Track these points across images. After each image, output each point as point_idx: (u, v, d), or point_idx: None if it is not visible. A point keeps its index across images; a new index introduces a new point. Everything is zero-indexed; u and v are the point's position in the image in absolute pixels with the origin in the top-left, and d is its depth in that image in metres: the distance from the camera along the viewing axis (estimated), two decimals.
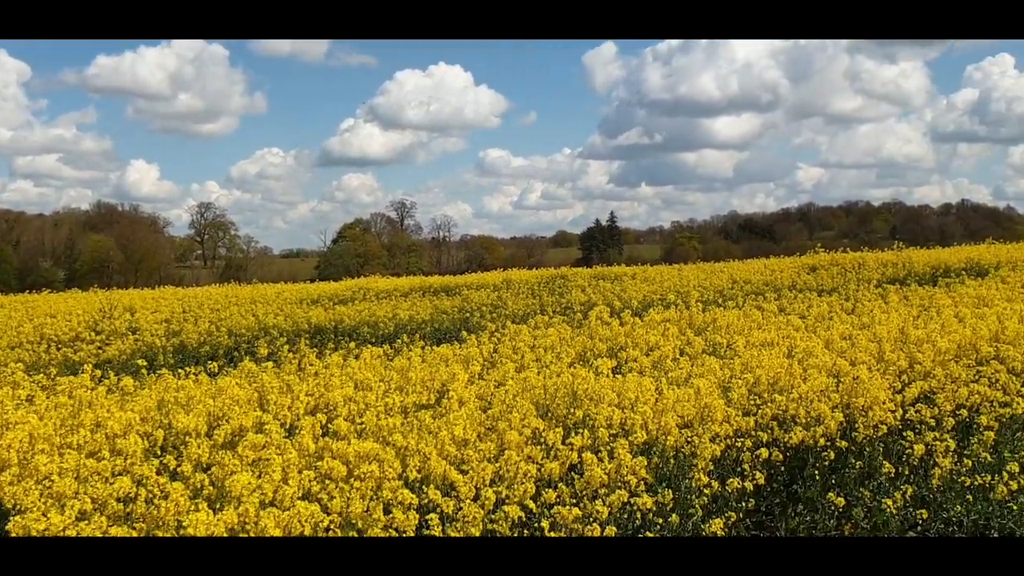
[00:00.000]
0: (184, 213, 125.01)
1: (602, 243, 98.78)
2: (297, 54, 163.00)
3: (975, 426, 7.99)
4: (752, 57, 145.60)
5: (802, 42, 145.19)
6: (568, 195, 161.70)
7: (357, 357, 10.54)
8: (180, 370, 9.91)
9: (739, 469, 7.07)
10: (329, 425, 6.77)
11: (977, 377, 8.81)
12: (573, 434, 6.60)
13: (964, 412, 8.17)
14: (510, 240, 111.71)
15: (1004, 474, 7.09)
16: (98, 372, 9.21)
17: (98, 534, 5.03)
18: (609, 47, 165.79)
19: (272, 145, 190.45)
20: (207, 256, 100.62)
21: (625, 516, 6.11)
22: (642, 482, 6.17)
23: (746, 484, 6.82)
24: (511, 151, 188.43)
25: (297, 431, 6.61)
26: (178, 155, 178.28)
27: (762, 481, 7.05)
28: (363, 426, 6.70)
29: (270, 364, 10.18)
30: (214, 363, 11.80)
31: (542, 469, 6.15)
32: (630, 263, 69.06)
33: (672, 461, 6.93)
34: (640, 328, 12.12)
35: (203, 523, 4.93)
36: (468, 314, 20.43)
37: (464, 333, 14.33)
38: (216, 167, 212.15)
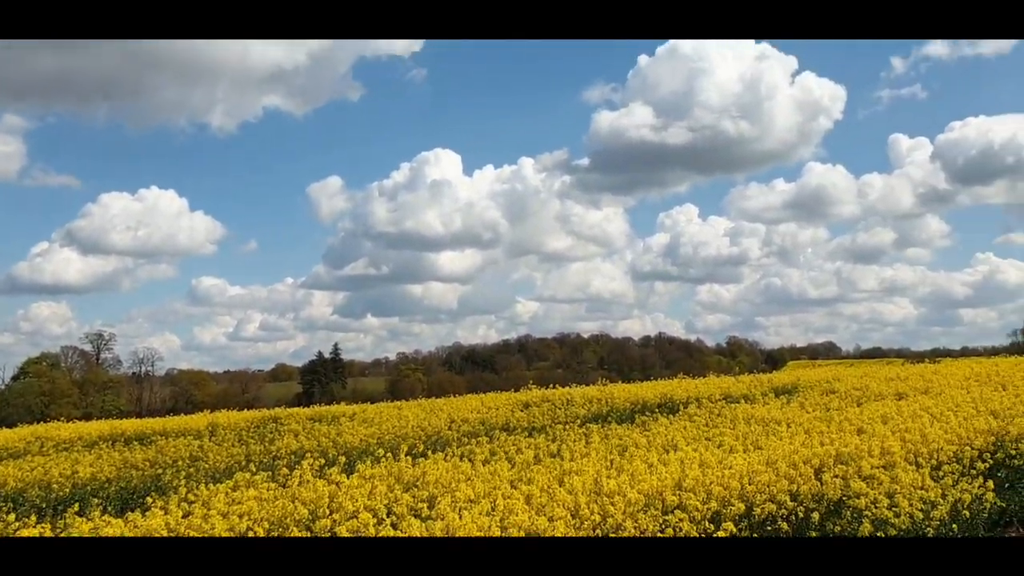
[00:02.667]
0: None
1: (325, 376, 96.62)
2: None
3: None
4: (474, 198, 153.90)
5: (519, 186, 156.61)
6: (290, 326, 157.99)
7: None
8: None
9: None
10: None
11: (663, 527, 9.18)
12: None
13: None
14: (223, 374, 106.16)
15: None
16: None
17: None
18: (335, 180, 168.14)
19: None
20: None
21: None
22: None
23: None
24: (228, 279, 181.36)
25: None
26: None
27: None
28: None
29: None
30: None
31: None
32: (355, 397, 67.89)
33: None
34: (346, 487, 11.50)
35: None
36: (162, 470, 18.41)
37: (151, 497, 12.74)
38: None
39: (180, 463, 19.04)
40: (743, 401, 24.77)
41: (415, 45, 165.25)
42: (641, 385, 31.78)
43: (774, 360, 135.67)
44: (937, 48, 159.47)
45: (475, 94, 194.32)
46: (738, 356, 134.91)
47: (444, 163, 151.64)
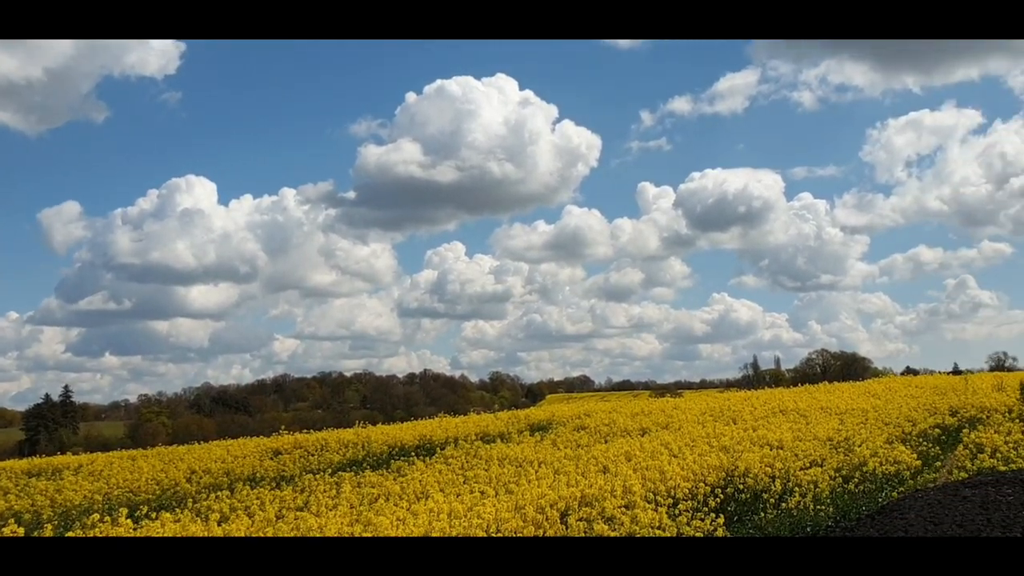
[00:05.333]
0: None
1: (53, 422, 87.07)
2: None
3: None
4: (230, 228, 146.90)
5: (280, 218, 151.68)
6: (12, 366, 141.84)
7: None
8: None
9: None
10: None
11: None
12: None
13: None
14: None
15: None
16: None
17: None
18: (72, 206, 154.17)
19: None
20: None
21: None
22: None
23: None
24: None
25: None
26: None
27: None
28: None
29: None
30: None
31: None
32: (88, 445, 61.56)
33: None
34: None
35: None
36: None
37: None
38: None
39: None
40: (499, 440, 24.98)
41: (170, 66, 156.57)
42: (400, 427, 31.16)
43: (534, 394, 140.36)
44: (681, 104, 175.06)
45: (234, 120, 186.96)
46: (500, 391, 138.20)
47: (197, 191, 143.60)
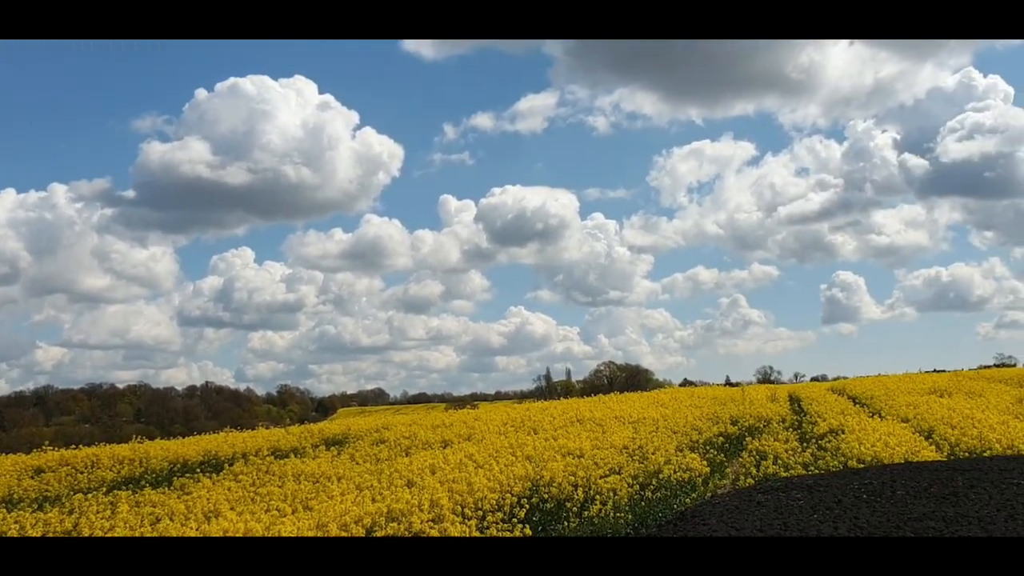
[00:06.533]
0: None
1: None
2: None
3: None
4: None
5: (48, 216, 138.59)
6: None
7: None
8: None
9: None
10: None
11: None
12: None
13: None
14: None
15: None
16: None
17: None
18: None
19: None
20: None
21: None
22: None
23: None
24: None
25: None
26: None
27: None
28: None
29: None
30: None
31: None
32: None
33: None
34: None
35: None
36: None
37: None
38: None
39: None
40: (293, 455, 23.87)
41: None
42: (182, 441, 28.96)
43: (325, 408, 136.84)
44: (484, 120, 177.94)
45: None
46: (289, 405, 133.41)
47: None
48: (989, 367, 76.40)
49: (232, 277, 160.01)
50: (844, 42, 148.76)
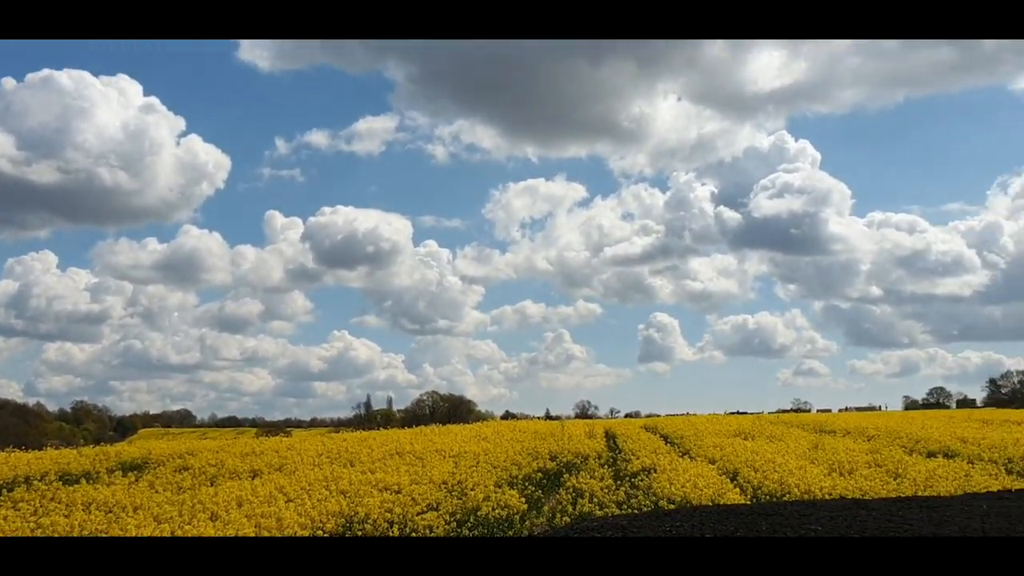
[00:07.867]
0: None
1: None
2: None
3: None
4: None
5: None
6: None
7: None
8: None
9: None
10: None
11: None
12: None
13: None
14: None
15: None
16: None
17: None
18: None
19: None
20: None
21: None
22: None
23: None
24: None
25: None
26: None
27: None
28: None
29: None
30: None
31: None
32: None
33: None
34: None
35: None
36: None
37: None
38: None
39: None
40: (84, 480, 21.89)
41: None
42: None
43: (125, 427, 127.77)
44: (318, 138, 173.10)
45: None
46: (84, 423, 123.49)
47: None
48: (787, 411, 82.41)
49: (30, 282, 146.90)
50: (673, 97, 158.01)
